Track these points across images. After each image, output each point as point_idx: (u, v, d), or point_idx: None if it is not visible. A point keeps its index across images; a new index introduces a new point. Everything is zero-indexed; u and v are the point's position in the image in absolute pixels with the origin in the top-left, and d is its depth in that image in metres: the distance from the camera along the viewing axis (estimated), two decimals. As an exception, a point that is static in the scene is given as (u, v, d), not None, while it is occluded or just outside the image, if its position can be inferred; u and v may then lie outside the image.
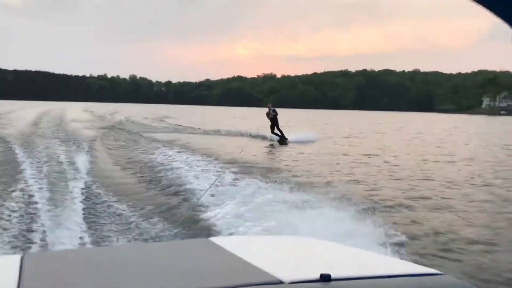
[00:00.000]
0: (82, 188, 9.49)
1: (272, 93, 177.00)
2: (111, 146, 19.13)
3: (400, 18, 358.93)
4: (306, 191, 9.22)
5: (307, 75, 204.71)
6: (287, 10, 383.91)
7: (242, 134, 27.02)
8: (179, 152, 15.54)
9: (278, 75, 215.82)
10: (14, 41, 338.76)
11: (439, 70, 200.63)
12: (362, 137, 30.83)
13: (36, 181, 9.87)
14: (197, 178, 10.55)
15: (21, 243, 6.18)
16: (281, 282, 1.61)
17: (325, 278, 1.60)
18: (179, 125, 36.61)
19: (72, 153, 15.22)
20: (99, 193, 9.25)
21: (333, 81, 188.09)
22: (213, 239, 2.37)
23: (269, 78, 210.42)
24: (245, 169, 12.06)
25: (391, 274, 1.77)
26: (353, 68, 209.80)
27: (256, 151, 19.02)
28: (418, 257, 5.82)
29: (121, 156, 15.80)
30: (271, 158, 17.97)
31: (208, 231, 6.81)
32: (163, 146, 18.08)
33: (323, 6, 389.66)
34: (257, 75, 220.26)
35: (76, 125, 30.91)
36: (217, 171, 11.23)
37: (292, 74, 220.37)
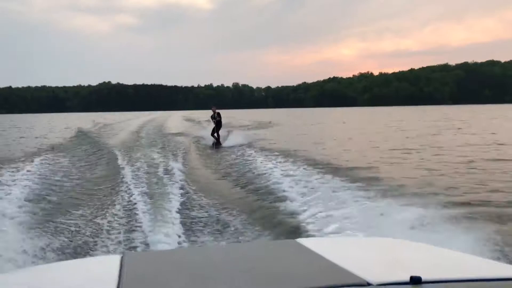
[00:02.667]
0: (178, 190, 9.71)
1: (366, 91, 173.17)
2: (204, 151, 19.69)
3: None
4: (397, 192, 8.65)
5: (403, 72, 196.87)
6: (393, 4, 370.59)
7: None
8: (270, 155, 15.15)
9: (376, 73, 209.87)
10: (133, 58, 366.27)
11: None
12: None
13: (135, 185, 10.27)
14: (286, 180, 10.34)
15: (122, 243, 6.39)
16: (369, 284, 1.54)
17: (416, 280, 1.52)
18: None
19: (168, 157, 15.60)
20: (193, 195, 9.40)
21: (429, 76, 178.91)
22: (300, 240, 2.30)
23: (365, 77, 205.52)
24: (333, 170, 11.61)
25: (489, 278, 1.62)
26: (453, 61, 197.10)
27: (357, 155, 17.64)
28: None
29: (214, 160, 16.00)
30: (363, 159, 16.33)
31: (296, 232, 6.67)
32: (255, 149, 17.78)
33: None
34: (353, 75, 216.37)
35: (175, 130, 32.34)
36: (306, 173, 10.97)
37: (392, 71, 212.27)
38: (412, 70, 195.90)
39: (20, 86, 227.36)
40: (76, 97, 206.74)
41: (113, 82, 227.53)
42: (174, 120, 51.39)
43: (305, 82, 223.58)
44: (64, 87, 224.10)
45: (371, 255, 2.14)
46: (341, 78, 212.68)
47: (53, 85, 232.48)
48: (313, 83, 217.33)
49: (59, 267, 2.28)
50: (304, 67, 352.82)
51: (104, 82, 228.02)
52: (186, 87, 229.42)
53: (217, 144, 21.98)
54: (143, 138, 26.03)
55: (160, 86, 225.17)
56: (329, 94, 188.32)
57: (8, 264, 4.90)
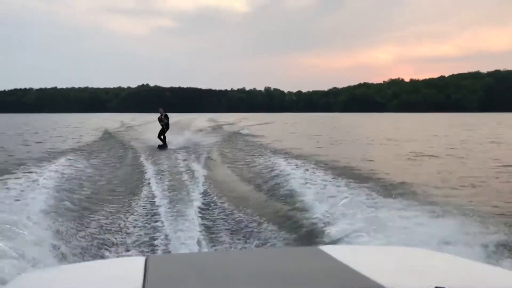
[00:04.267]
0: (200, 194, 9.66)
1: (395, 97, 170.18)
2: (228, 153, 19.47)
3: None
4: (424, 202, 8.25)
5: (432, 79, 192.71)
6: (431, 9, 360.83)
7: None
8: (293, 160, 14.91)
9: (407, 79, 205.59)
10: (170, 61, 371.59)
11: None
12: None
13: (158, 188, 10.28)
14: (309, 186, 10.07)
15: (146, 245, 6.36)
16: None
17: None
18: None
19: (191, 159, 15.72)
20: (215, 199, 9.29)
21: (459, 84, 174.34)
22: (323, 247, 2.25)
23: (395, 83, 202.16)
24: (359, 178, 11.30)
25: None
26: (489, 68, 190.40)
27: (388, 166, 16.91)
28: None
29: (236, 164, 15.81)
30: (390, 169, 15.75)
31: (318, 239, 6.52)
32: (277, 154, 17.49)
33: (473, 1, 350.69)
34: (383, 81, 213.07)
35: (200, 132, 32.43)
36: (334, 181, 10.66)
37: (425, 77, 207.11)
38: (442, 77, 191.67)
39: (64, 86, 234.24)
40: (116, 99, 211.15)
41: (151, 84, 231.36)
42: (197, 122, 51.13)
43: (335, 87, 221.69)
44: (105, 88, 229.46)
45: (394, 264, 2.06)
46: (372, 83, 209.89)
47: (95, 86, 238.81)
48: (343, 88, 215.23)
49: (84, 267, 2.31)
50: (336, 72, 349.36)
51: (143, 84, 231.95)
52: (220, 91, 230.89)
53: (162, 146, 21.54)
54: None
55: (195, 89, 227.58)
56: (358, 100, 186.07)
57: (35, 263, 4.93)
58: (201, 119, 58.84)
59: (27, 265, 4.75)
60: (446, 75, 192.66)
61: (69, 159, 15.70)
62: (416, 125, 55.40)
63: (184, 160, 15.76)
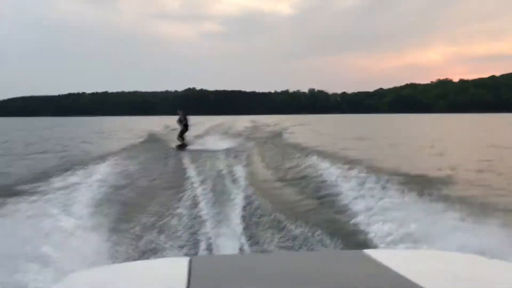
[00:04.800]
0: (242, 196, 9.58)
1: (442, 98, 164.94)
2: (269, 155, 19.14)
3: None
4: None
5: (483, 78, 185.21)
6: (486, 5, 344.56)
7: None
8: (334, 163, 14.43)
9: (456, 80, 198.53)
10: (215, 64, 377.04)
11: None
12: None
13: (200, 189, 10.31)
14: (353, 188, 9.80)
15: (189, 246, 6.32)
16: None
17: None
18: None
19: (231, 161, 15.66)
20: (257, 201, 9.21)
21: (509, 83, 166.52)
22: (367, 251, 2.17)
23: (443, 83, 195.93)
24: (404, 179, 10.76)
25: None
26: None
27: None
28: None
29: (277, 166, 15.58)
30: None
31: (362, 242, 6.32)
32: (317, 155, 16.97)
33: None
34: (431, 81, 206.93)
35: (240, 134, 32.21)
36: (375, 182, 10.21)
37: (477, 77, 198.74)
38: (492, 76, 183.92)
39: (115, 91, 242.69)
40: (164, 102, 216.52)
41: (197, 87, 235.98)
42: (238, 124, 51.18)
43: (381, 88, 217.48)
44: (154, 92, 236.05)
45: (442, 269, 1.95)
46: (418, 84, 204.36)
47: (144, 90, 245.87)
48: (389, 89, 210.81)
49: (130, 267, 2.32)
50: (382, 72, 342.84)
51: (189, 88, 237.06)
52: (263, 93, 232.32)
53: (181, 146, 21.64)
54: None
55: (239, 92, 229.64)
56: (404, 100, 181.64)
57: (81, 263, 5.02)
58: (243, 121, 58.99)
59: (75, 265, 4.90)
60: (497, 75, 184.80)
61: (116, 159, 16.07)
62: (478, 127, 51.87)
63: (225, 161, 15.81)
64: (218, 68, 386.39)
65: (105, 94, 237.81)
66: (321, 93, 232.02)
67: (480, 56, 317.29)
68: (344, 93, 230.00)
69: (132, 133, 36.92)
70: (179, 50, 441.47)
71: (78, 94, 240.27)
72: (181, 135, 22.49)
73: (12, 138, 35.78)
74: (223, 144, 22.48)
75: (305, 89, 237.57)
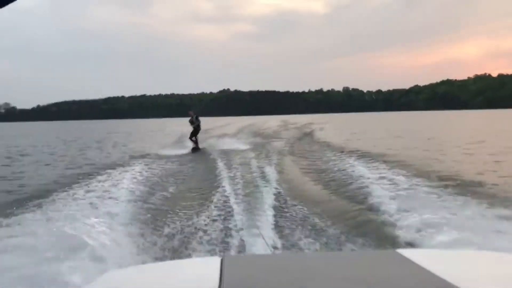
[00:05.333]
0: (273, 195, 9.55)
1: (479, 94, 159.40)
2: (300, 155, 19.04)
3: None
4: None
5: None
6: None
7: None
8: (364, 161, 14.50)
9: (495, 75, 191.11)
10: (249, 65, 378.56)
11: None
12: None
13: (231, 189, 10.27)
14: (387, 188, 9.64)
15: (220, 246, 6.30)
16: None
17: None
18: None
19: (262, 161, 15.64)
20: (289, 200, 9.15)
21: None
22: (401, 251, 2.12)
23: (480, 79, 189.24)
24: (439, 178, 10.56)
25: None
26: None
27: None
28: None
29: (307, 165, 15.44)
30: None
31: (396, 242, 6.14)
32: (347, 155, 17.01)
33: None
34: (468, 77, 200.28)
35: (272, 134, 32.51)
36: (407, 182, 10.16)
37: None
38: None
39: (152, 94, 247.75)
40: (200, 104, 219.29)
41: (232, 89, 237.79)
42: (269, 125, 50.78)
43: (417, 85, 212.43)
44: (190, 94, 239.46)
45: (480, 270, 1.89)
46: (455, 80, 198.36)
47: (180, 92, 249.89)
48: (425, 86, 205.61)
49: (163, 267, 2.33)
50: (417, 69, 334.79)
51: (224, 89, 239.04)
52: (297, 93, 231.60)
53: (195, 148, 21.30)
54: None
55: (273, 92, 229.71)
56: (440, 97, 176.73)
57: (114, 263, 5.06)
58: (274, 121, 59.07)
59: (109, 264, 4.98)
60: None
61: (148, 160, 16.36)
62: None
63: (256, 161, 15.77)
64: (252, 69, 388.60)
65: (143, 97, 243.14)
66: (356, 91, 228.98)
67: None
68: (379, 90, 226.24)
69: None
70: (212, 51, 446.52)
71: (116, 98, 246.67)
72: (192, 136, 22.12)
73: (82, 135, 46.36)
74: (250, 143, 22.50)
75: (339, 87, 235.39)
